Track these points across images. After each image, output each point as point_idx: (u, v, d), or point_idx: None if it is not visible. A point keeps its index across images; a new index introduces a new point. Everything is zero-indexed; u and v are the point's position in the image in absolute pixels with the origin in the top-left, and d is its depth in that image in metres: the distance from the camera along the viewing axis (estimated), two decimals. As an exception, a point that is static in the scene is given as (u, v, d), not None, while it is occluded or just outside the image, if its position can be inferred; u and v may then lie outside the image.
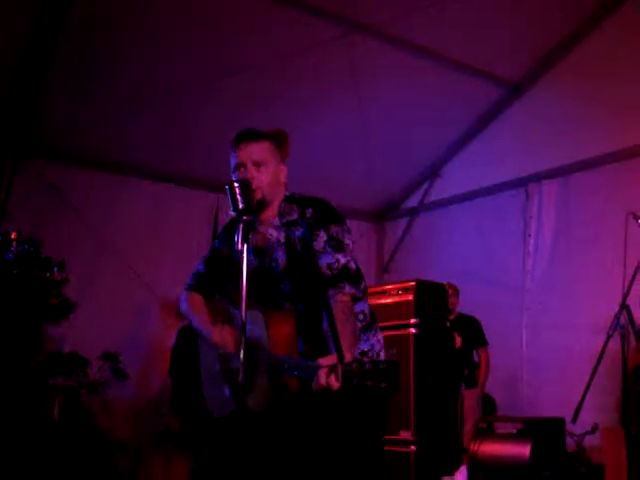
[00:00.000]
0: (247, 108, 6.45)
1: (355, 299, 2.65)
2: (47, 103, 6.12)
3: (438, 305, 5.73)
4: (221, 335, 2.71)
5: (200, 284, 2.97)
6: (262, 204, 2.72)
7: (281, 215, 2.78)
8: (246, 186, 2.55)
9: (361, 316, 2.75)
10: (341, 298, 2.59)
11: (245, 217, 2.47)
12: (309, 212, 2.74)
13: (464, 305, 6.75)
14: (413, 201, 8.76)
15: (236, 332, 2.62)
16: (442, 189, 8.40)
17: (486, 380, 6.73)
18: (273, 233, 2.77)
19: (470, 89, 7.32)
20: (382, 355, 2.81)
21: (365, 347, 2.75)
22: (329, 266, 2.63)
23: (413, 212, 8.70)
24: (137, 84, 6.14)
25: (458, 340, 6.08)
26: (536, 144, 7.26)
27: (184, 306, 2.99)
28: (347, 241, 2.71)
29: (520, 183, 7.52)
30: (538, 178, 7.37)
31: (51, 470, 5.16)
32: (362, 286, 2.72)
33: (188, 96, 6.33)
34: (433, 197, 8.51)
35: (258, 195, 2.67)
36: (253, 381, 2.58)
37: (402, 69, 6.86)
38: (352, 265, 2.66)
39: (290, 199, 2.81)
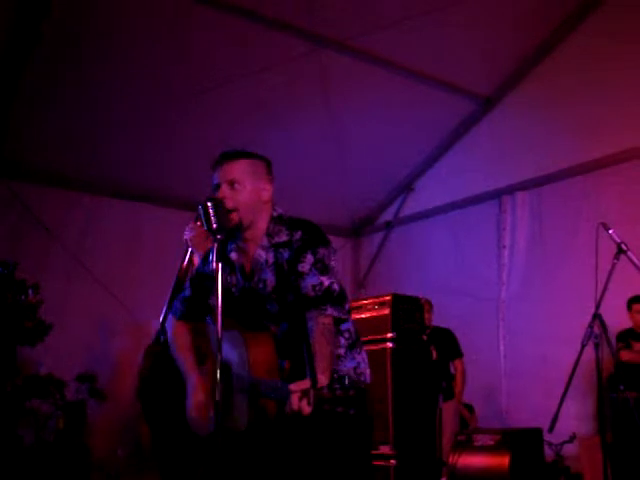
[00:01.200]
0: (223, 125, 6.49)
1: (340, 321, 2.66)
2: (19, 122, 6.10)
3: (414, 319, 5.75)
4: (198, 392, 2.77)
5: (187, 309, 2.96)
6: (240, 227, 2.70)
7: (269, 236, 2.75)
8: (219, 205, 2.54)
9: (347, 334, 2.77)
10: (322, 320, 2.57)
11: (219, 236, 2.48)
12: (298, 235, 2.72)
13: (441, 318, 6.74)
14: (388, 215, 8.81)
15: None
16: (416, 203, 8.45)
17: (463, 391, 6.73)
18: (262, 254, 2.75)
19: (442, 103, 7.40)
20: (367, 373, 2.82)
21: (351, 365, 2.75)
22: (313, 287, 2.62)
23: (388, 226, 8.74)
24: (112, 103, 6.13)
25: (434, 353, 6.09)
26: (508, 157, 7.35)
27: (171, 337, 2.99)
28: (332, 263, 2.71)
29: (493, 195, 7.61)
30: (511, 190, 7.46)
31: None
32: (347, 307, 2.73)
33: (164, 115, 6.34)
34: (407, 211, 8.56)
35: (235, 219, 2.66)
36: (232, 401, 2.58)
37: (374, 85, 6.92)
38: (335, 287, 2.65)
39: (279, 220, 2.78)
